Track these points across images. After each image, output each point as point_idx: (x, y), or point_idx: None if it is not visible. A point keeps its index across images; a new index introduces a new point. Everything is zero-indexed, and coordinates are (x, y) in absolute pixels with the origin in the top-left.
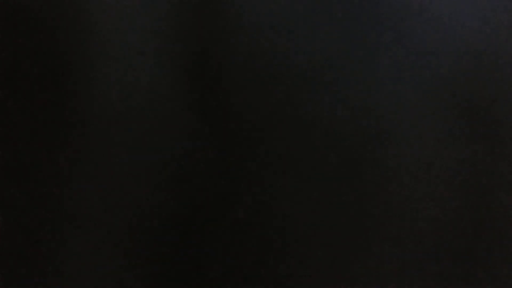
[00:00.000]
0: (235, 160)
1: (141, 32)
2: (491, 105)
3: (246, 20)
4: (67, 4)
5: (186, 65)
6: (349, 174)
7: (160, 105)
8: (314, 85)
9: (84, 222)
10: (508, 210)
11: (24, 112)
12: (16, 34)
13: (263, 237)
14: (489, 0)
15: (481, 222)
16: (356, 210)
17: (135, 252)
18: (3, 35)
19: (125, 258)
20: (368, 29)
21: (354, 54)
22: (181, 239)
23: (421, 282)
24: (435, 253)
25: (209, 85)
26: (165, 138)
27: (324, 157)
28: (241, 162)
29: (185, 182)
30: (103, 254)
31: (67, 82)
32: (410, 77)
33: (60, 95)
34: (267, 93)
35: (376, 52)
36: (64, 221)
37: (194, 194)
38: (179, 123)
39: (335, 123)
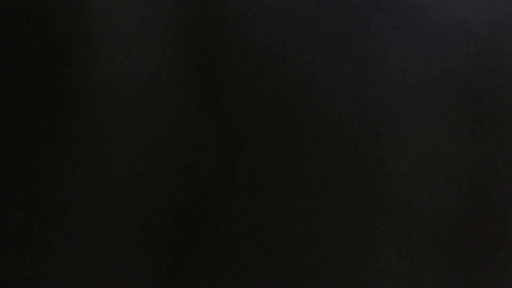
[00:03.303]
0: (235, 159)
1: (142, 31)
2: (493, 104)
3: (247, 19)
4: (67, 2)
5: (187, 65)
6: (350, 173)
7: (160, 104)
8: (316, 83)
9: (83, 221)
10: (508, 210)
11: (22, 111)
12: (16, 32)
13: (263, 237)
14: None
15: (481, 222)
16: (356, 210)
17: (134, 252)
18: (3, 35)
19: (125, 258)
20: (369, 26)
21: (354, 53)
22: (181, 239)
23: (421, 282)
24: (435, 253)
25: (210, 85)
26: (165, 138)
27: (326, 156)
28: (241, 161)
29: (185, 181)
30: (102, 253)
31: (67, 81)
32: (410, 75)
33: (60, 95)
34: (268, 93)
35: (376, 51)
36: (63, 220)
37: (194, 194)
38: (180, 123)
39: (336, 122)
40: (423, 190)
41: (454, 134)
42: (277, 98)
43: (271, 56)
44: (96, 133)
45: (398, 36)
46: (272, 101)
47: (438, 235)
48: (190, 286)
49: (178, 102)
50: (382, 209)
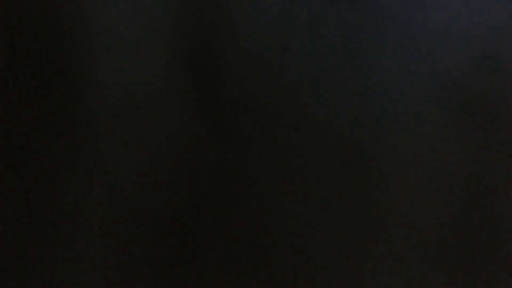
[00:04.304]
0: (235, 160)
1: (142, 32)
2: (493, 105)
3: (247, 20)
4: (68, 3)
5: (187, 65)
6: (349, 175)
7: (160, 105)
8: (315, 85)
9: (83, 222)
10: (508, 210)
11: (23, 112)
12: (16, 33)
13: (263, 237)
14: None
15: (481, 222)
16: (356, 211)
17: (134, 252)
18: (3, 35)
19: (125, 258)
20: (369, 29)
21: (354, 55)
22: (180, 239)
23: (421, 283)
24: (435, 253)
25: (210, 86)
26: (165, 138)
27: (326, 157)
28: (241, 162)
29: (185, 181)
30: (102, 254)
31: (68, 83)
32: (410, 77)
33: (61, 96)
34: (268, 94)
35: (376, 52)
36: (64, 221)
37: (194, 194)
38: (180, 124)
39: (336, 124)
40: (422, 194)
41: (454, 139)
42: (277, 101)
43: (271, 59)
44: (97, 134)
45: (397, 41)
46: (271, 104)
47: (437, 237)
48: (190, 287)
49: (178, 104)
50: (381, 212)
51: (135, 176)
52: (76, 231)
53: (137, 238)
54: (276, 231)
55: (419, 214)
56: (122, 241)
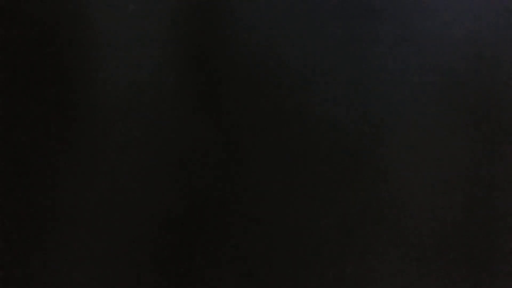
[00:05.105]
0: (235, 160)
1: (142, 32)
2: (492, 104)
3: (246, 20)
4: (68, 3)
5: (187, 65)
6: (349, 175)
7: (160, 105)
8: (315, 85)
9: (84, 222)
10: (508, 210)
11: (24, 111)
12: (16, 33)
13: (263, 237)
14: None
15: (481, 222)
16: (356, 210)
17: (134, 253)
18: (3, 35)
19: (125, 258)
20: (368, 28)
21: (354, 54)
22: (181, 240)
23: (421, 282)
24: (435, 253)
25: (210, 86)
26: (165, 138)
27: (327, 156)
28: (242, 161)
29: (186, 182)
30: (103, 254)
31: (68, 83)
32: (410, 77)
33: (61, 96)
34: (268, 93)
35: (375, 52)
36: (64, 221)
37: (194, 194)
38: (180, 124)
39: (336, 123)
40: (424, 193)
41: (453, 139)
42: (278, 101)
43: (272, 59)
44: (97, 135)
45: (399, 40)
46: (272, 103)
47: (437, 237)
48: (190, 287)
49: (178, 105)
50: (381, 213)
51: (135, 176)
52: (75, 231)
53: (137, 238)
54: (276, 230)
55: (420, 214)
56: (122, 241)
